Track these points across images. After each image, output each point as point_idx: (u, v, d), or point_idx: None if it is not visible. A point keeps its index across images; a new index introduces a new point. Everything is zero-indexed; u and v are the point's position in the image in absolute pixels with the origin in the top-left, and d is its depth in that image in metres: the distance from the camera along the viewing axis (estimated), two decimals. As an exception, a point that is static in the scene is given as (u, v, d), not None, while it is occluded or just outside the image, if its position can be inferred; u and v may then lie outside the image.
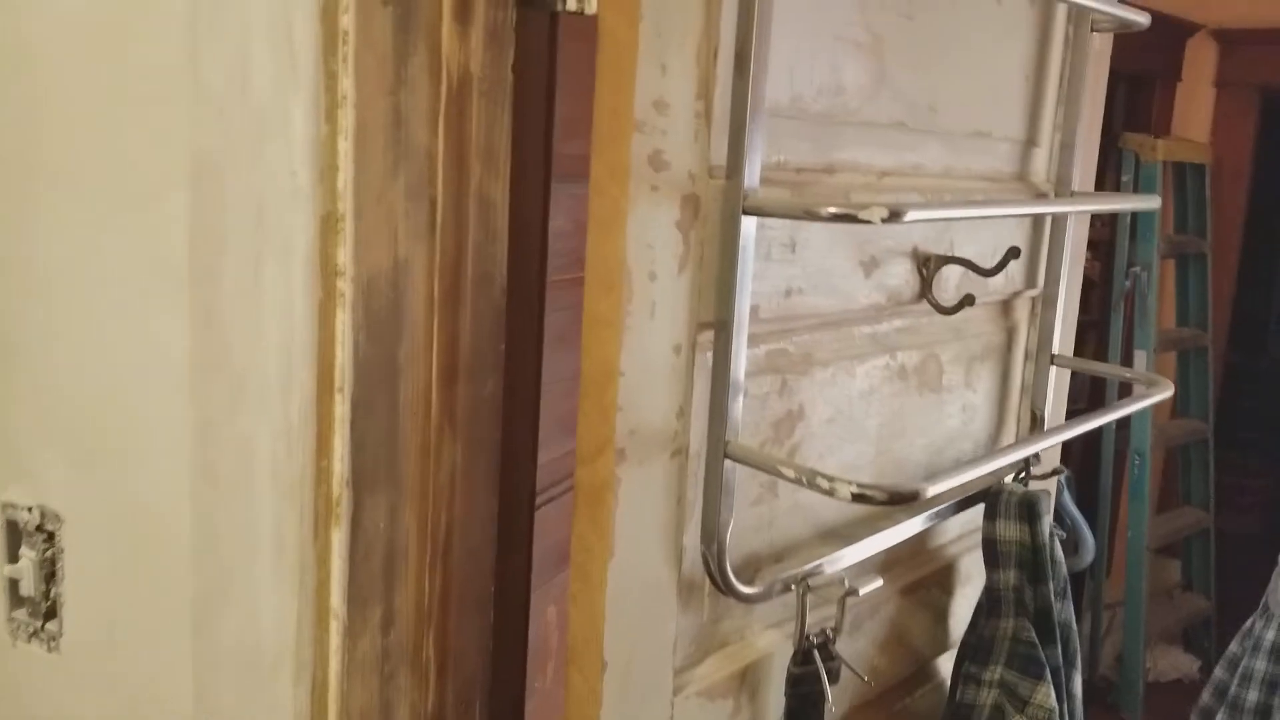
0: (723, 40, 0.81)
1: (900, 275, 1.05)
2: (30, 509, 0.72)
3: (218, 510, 0.68)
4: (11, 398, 0.73)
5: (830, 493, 0.80)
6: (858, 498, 0.80)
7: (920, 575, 1.17)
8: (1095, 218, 1.75)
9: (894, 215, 0.77)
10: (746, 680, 0.95)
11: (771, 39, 0.84)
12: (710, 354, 0.86)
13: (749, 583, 0.92)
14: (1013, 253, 1.04)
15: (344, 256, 0.68)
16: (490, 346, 0.76)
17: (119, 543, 0.70)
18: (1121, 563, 3.51)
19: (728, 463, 0.86)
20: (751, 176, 0.82)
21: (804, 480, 0.81)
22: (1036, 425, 1.28)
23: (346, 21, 0.65)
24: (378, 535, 0.73)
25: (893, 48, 0.98)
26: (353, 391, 0.70)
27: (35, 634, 0.73)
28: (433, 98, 0.70)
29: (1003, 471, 1.24)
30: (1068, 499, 2.04)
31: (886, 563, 1.12)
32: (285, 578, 0.71)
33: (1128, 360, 3.45)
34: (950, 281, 1.11)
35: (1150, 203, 1.08)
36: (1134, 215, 3.43)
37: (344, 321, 0.69)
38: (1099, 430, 3.52)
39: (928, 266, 1.07)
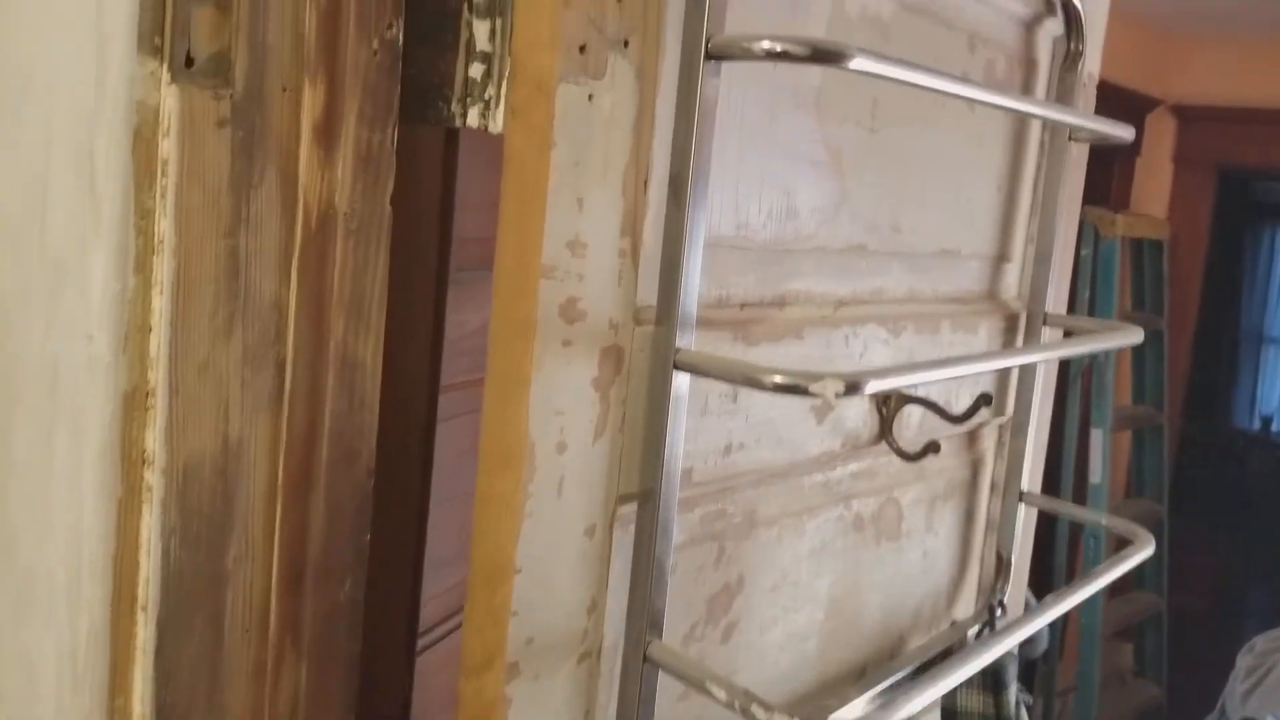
0: (655, 165, 0.68)
1: (857, 417, 0.92)
2: None
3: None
4: None
5: None
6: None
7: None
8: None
9: (850, 389, 0.63)
10: None
11: (714, 162, 0.71)
12: (632, 530, 0.72)
13: (672, 791, 0.77)
14: (984, 400, 0.91)
15: (153, 442, 0.53)
16: (350, 540, 0.61)
17: None
18: (1074, 648, 3.40)
19: (649, 668, 0.72)
20: (685, 320, 0.69)
21: (736, 705, 0.67)
22: (1002, 568, 1.15)
23: (167, 147, 0.51)
24: (196, 784, 0.58)
25: (853, 164, 0.86)
26: (160, 610, 0.55)
27: None
28: (285, 238, 0.55)
29: (964, 626, 1.11)
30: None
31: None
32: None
33: (1084, 437, 3.36)
34: (912, 419, 0.99)
35: (1132, 337, 0.96)
36: (1092, 289, 3.36)
37: (151, 524, 0.54)
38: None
39: (887, 406, 0.94)
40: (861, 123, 0.86)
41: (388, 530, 0.64)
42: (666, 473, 0.70)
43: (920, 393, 0.96)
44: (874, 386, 0.65)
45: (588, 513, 0.68)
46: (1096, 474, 3.30)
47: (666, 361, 0.69)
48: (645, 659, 0.71)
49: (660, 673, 0.74)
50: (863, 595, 0.99)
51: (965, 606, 1.14)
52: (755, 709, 0.65)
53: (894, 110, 0.89)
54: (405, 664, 0.65)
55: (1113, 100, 3.35)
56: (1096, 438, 3.34)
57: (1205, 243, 3.86)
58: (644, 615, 0.71)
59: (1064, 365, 3.38)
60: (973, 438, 1.12)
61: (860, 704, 0.91)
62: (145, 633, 0.55)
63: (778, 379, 0.63)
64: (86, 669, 0.54)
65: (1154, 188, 3.85)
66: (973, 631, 1.10)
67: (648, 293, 0.69)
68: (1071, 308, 3.31)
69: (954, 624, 1.11)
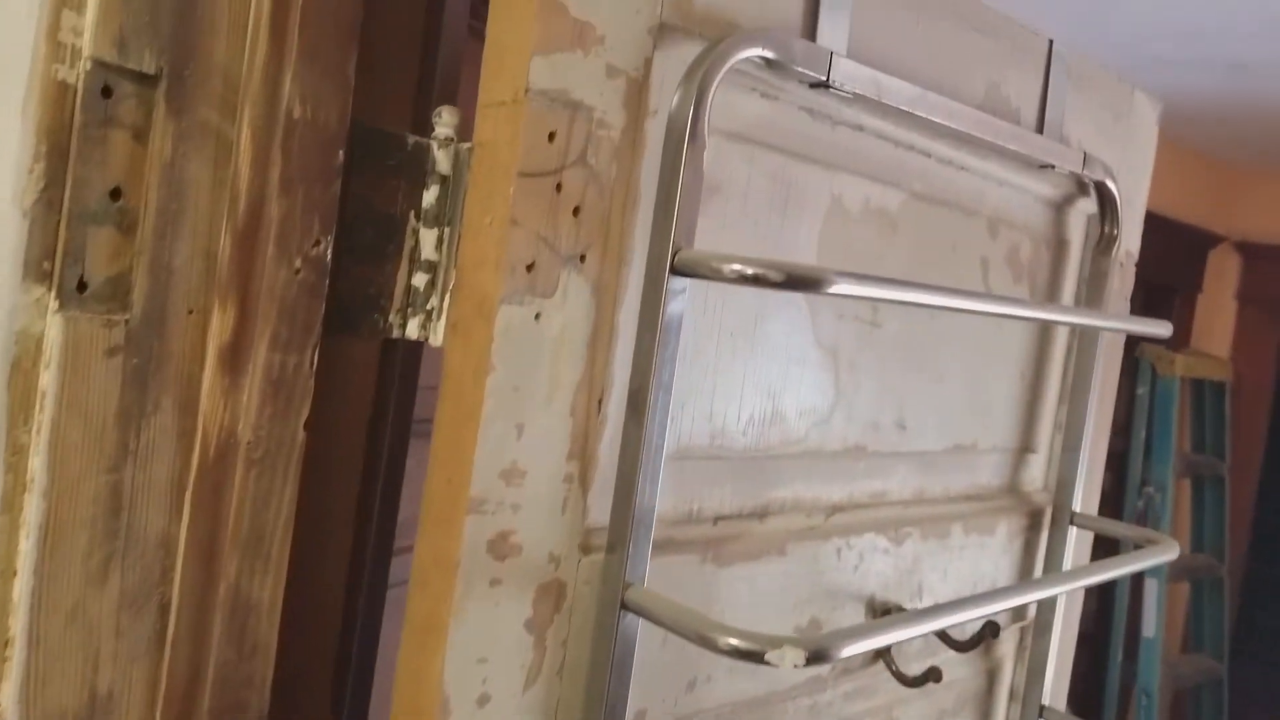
0: (615, 378, 0.62)
1: (850, 632, 0.84)
2: None
3: None
4: None
5: None
6: None
7: None
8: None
9: (816, 658, 0.56)
10: None
11: (690, 368, 0.66)
12: (572, 780, 0.64)
13: None
14: (990, 630, 0.83)
15: (8, 698, 0.47)
16: (239, 799, 0.54)
17: None
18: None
19: None
20: (639, 549, 0.62)
21: None
22: (1020, 786, 1.05)
23: (47, 380, 0.46)
24: None
25: (852, 361, 0.80)
26: None
27: None
28: (178, 470, 0.50)
29: None
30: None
31: None
32: None
33: (1137, 588, 3.20)
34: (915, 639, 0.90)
35: (1168, 553, 0.88)
36: (1149, 429, 3.23)
37: (2, 789, 0.48)
38: (1104, 662, 3.24)
39: (886, 618, 0.86)
40: (861, 317, 0.80)
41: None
42: (612, 720, 0.63)
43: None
44: (849, 650, 0.58)
45: (517, 765, 0.61)
46: (1150, 627, 3.13)
47: (614, 600, 0.62)
48: None
49: None
50: (853, 824, 0.90)
51: (974, 830, 1.04)
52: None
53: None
54: None
55: (1173, 236, 3.26)
56: (1151, 589, 3.18)
57: (1271, 383, 3.71)
58: None
59: (1117, 505, 3.24)
60: (988, 643, 1.03)
61: None
62: None
63: (733, 642, 0.56)
64: None
65: (1217, 327, 3.73)
66: None
67: (600, 513, 0.63)
68: (1125, 446, 3.18)
69: None
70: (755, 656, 0.55)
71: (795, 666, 0.55)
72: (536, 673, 0.61)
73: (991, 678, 1.03)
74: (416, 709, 0.56)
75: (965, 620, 0.68)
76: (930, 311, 0.86)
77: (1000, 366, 0.97)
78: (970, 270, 0.90)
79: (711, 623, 0.57)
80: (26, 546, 0.47)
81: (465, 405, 0.55)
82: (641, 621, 0.63)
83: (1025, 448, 1.02)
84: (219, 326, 0.50)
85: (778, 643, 0.55)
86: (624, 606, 0.61)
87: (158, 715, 0.51)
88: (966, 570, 0.95)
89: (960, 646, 0.84)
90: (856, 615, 0.84)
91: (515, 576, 0.58)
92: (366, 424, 0.56)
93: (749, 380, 0.72)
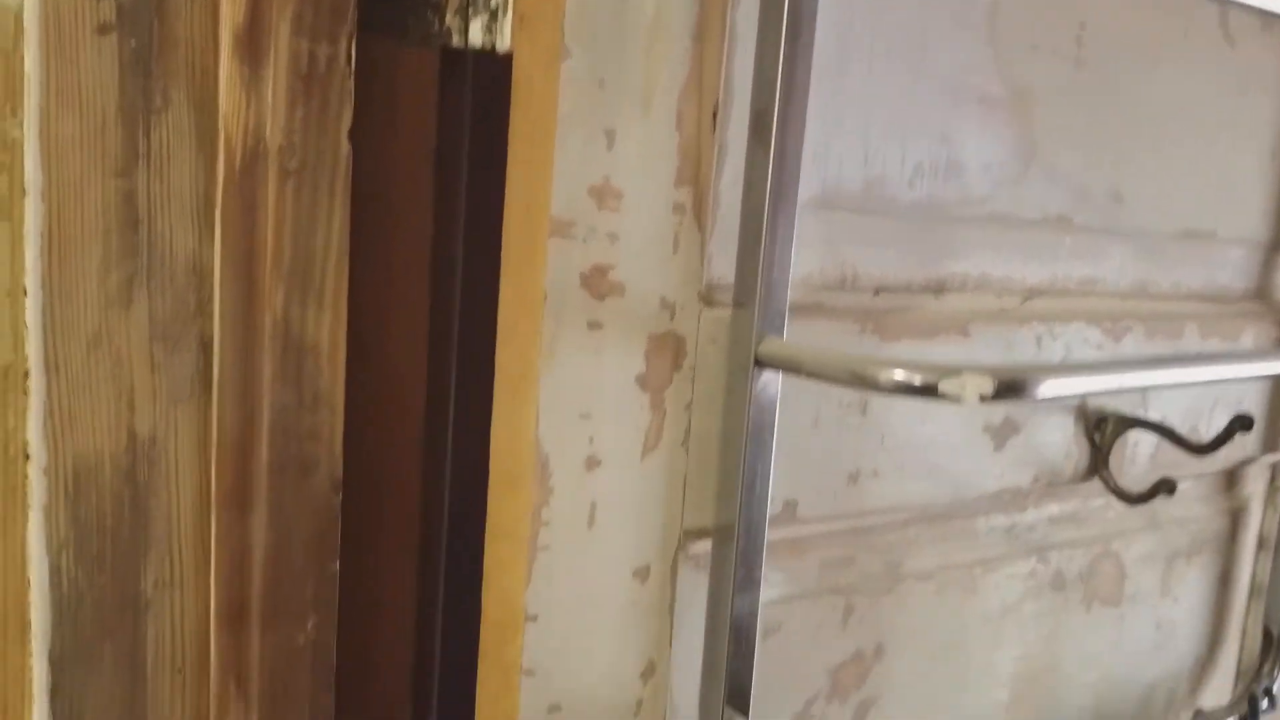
0: (734, 94, 0.51)
1: (1058, 444, 0.70)
2: None
3: None
4: None
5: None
6: None
7: None
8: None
9: (1006, 391, 0.44)
10: None
11: (830, 91, 0.54)
12: (707, 575, 0.55)
13: None
14: (1241, 423, 0.67)
15: (33, 433, 0.42)
16: (311, 571, 0.48)
17: None
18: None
19: (729, 748, 0.54)
20: (774, 303, 0.51)
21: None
22: (1272, 647, 0.88)
23: (30, 63, 0.40)
24: None
25: (1048, 107, 0.65)
26: (54, 641, 0.44)
27: None
28: (203, 181, 0.43)
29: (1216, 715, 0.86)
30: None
31: None
32: None
33: None
34: (1140, 447, 0.75)
35: None
36: None
37: (37, 533, 0.43)
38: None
39: (1102, 430, 0.72)
40: (1060, 52, 0.65)
41: (375, 562, 0.51)
42: (748, 503, 0.53)
43: (1150, 413, 0.73)
44: (1053, 387, 0.46)
45: (637, 550, 0.52)
46: None
47: (746, 359, 0.51)
48: (720, 743, 0.54)
49: (750, 764, 0.57)
50: (1065, 673, 0.76)
51: (1217, 693, 0.88)
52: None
53: (1111, 37, 0.67)
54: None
55: None
56: None
57: None
58: (720, 684, 0.54)
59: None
60: (1231, 479, 0.86)
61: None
62: (39, 670, 0.44)
63: (898, 374, 0.45)
64: (-33, 713, 0.44)
65: None
66: (1227, 728, 0.84)
67: (724, 265, 0.52)
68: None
69: (1200, 715, 0.86)
70: (927, 390, 0.44)
71: (981, 400, 0.43)
72: (656, 439, 0.51)
73: (1235, 520, 0.87)
74: (513, 473, 0.48)
75: (1211, 379, 0.53)
76: (1152, 56, 0.70)
77: (1242, 139, 0.79)
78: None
79: (868, 357, 0.46)
80: (32, 258, 0.41)
81: (538, 105, 0.45)
82: (786, 395, 0.52)
83: (1277, 243, 0.84)
84: (230, 4, 0.42)
85: (955, 371, 0.43)
86: (758, 362, 0.51)
87: (213, 466, 0.45)
88: (1204, 388, 0.79)
89: (1200, 449, 0.69)
90: (1065, 419, 0.70)
91: (620, 322, 0.49)
92: (433, 156, 0.47)
93: (914, 117, 0.59)
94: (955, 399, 0.44)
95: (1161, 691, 0.84)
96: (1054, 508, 0.73)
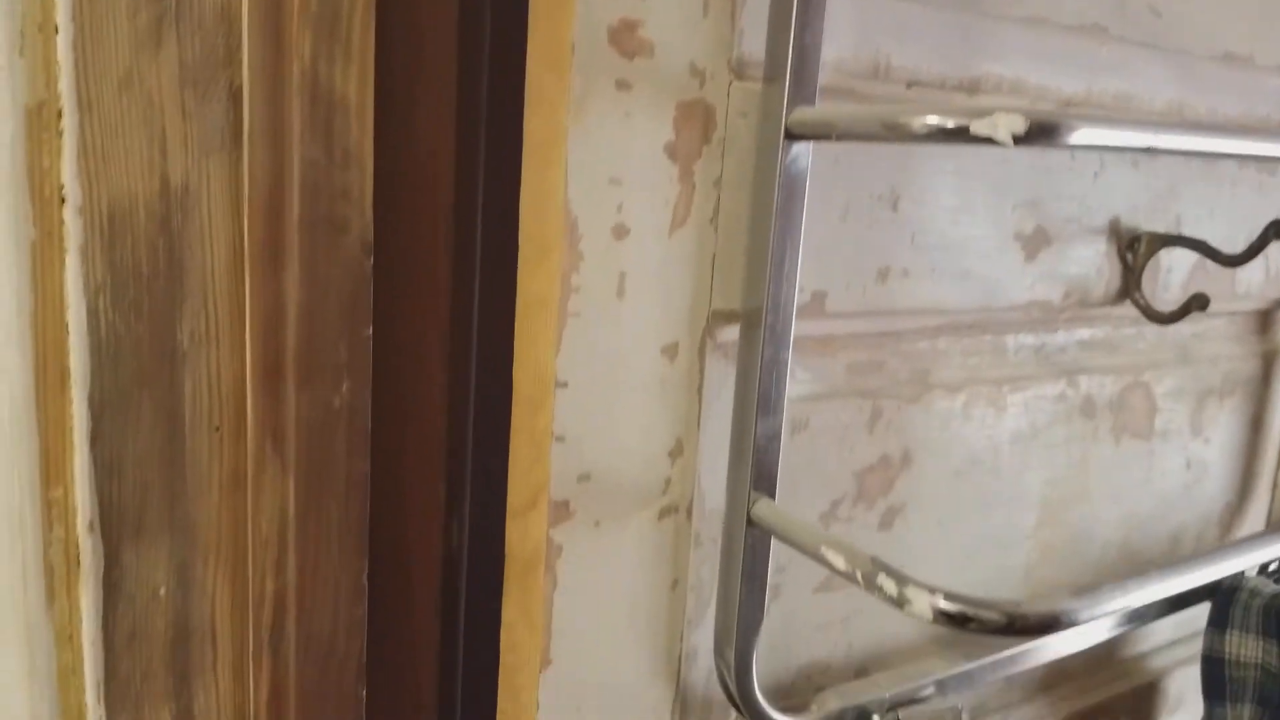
0: None
1: (1088, 260, 0.69)
2: None
3: None
4: None
5: (898, 603, 0.48)
6: (946, 618, 0.48)
7: (1100, 699, 0.81)
8: None
9: (1039, 133, 0.43)
10: None
11: None
12: (735, 359, 0.55)
13: (798, 710, 0.60)
14: (1275, 231, 0.66)
15: (68, 173, 0.42)
16: (344, 332, 0.48)
17: None
18: None
19: (756, 532, 0.55)
20: (807, 74, 0.51)
21: (859, 575, 0.49)
22: (1306, 493, 0.88)
23: None
24: (155, 606, 0.48)
25: (1086, -97, 0.63)
26: (94, 386, 0.44)
27: None
28: (233, -79, 0.43)
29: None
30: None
31: (1047, 679, 0.77)
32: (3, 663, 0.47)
33: None
34: (1173, 273, 0.75)
35: None
36: None
37: (75, 275, 0.43)
38: None
39: (1135, 249, 0.71)
40: None
41: (407, 327, 0.51)
42: (776, 282, 0.53)
43: (1187, 230, 0.72)
44: (1086, 136, 0.45)
45: (665, 325, 0.52)
46: None
47: (776, 133, 0.51)
48: (749, 521, 0.54)
49: (779, 553, 0.57)
50: (1093, 504, 0.77)
51: (1247, 538, 0.88)
52: (883, 580, 0.47)
53: None
54: (444, 499, 0.52)
55: None
56: None
57: None
58: (748, 466, 0.55)
59: None
60: (1265, 321, 0.85)
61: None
62: (80, 413, 0.45)
63: (930, 120, 0.44)
64: (10, 451, 0.45)
65: None
66: (1253, 569, 0.84)
67: (754, 42, 0.52)
68: None
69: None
70: (959, 133, 0.43)
71: (1015, 141, 0.42)
72: (685, 214, 0.51)
73: (1268, 364, 0.86)
74: (544, 239, 0.48)
75: (1252, 154, 0.53)
76: None
77: (1289, -37, 0.77)
78: None
79: (899, 108, 0.46)
80: (64, -11, 0.41)
81: None
82: (814, 187, 0.52)
83: (1321, 75, 0.82)
84: None
85: (987, 110, 0.42)
86: (789, 135, 0.50)
87: (246, 218, 0.45)
88: (1241, 215, 0.78)
89: (1233, 260, 0.68)
90: (1096, 239, 0.69)
91: (648, 84, 0.48)
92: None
93: (948, -93, 0.58)
94: (988, 138, 0.43)
95: (1190, 532, 0.84)
96: (1084, 332, 0.73)
